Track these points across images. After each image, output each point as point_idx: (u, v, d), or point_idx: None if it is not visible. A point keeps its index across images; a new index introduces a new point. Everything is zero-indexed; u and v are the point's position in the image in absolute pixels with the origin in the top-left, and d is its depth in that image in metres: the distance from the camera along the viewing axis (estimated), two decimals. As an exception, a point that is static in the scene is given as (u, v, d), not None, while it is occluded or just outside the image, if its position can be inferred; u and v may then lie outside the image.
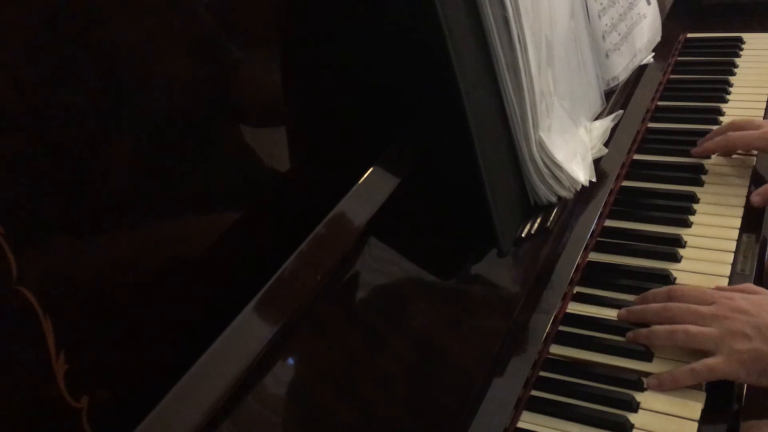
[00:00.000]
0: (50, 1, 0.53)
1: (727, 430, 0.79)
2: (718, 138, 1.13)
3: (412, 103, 0.90)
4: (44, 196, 0.53)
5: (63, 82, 0.54)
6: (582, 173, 0.95)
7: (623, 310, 0.91)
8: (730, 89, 1.36)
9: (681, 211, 1.07)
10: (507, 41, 0.86)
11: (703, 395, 0.81)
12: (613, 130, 1.09)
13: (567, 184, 0.93)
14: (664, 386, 0.82)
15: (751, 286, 0.89)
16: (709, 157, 1.16)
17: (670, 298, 0.89)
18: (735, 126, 1.14)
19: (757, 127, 1.12)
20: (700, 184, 1.12)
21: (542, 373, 0.85)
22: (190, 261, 0.66)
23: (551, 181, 0.92)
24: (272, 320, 0.63)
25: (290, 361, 0.65)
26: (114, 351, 0.58)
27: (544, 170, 0.92)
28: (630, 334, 0.87)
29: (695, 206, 1.08)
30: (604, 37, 1.14)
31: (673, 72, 1.44)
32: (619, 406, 0.80)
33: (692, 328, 0.84)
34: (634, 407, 0.80)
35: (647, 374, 0.83)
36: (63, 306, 0.53)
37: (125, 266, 0.59)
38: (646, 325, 0.88)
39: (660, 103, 1.35)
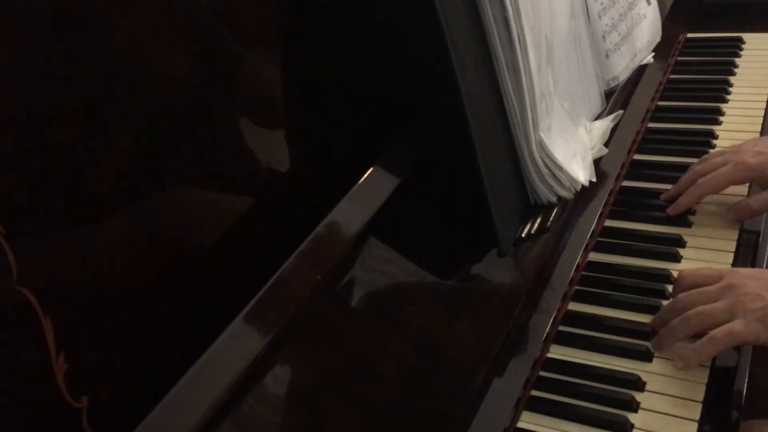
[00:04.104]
0: (51, 1, 0.53)
1: (727, 430, 0.79)
2: (691, 189, 1.05)
3: (412, 103, 0.90)
4: (44, 196, 0.53)
5: (63, 82, 0.54)
6: (582, 173, 0.95)
7: (654, 344, 0.88)
8: (730, 89, 1.35)
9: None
10: (507, 41, 0.86)
11: (702, 394, 0.81)
12: (613, 130, 1.09)
13: (567, 184, 0.93)
14: (690, 363, 0.81)
15: None
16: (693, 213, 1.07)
17: (679, 280, 0.89)
18: (699, 173, 1.06)
19: (721, 163, 1.05)
20: (701, 183, 1.12)
21: (542, 373, 0.85)
22: (189, 261, 0.66)
23: (551, 181, 0.92)
24: (272, 320, 0.63)
25: (290, 361, 0.65)
26: (114, 351, 0.58)
27: (544, 170, 0.92)
28: (652, 343, 0.86)
29: (695, 206, 1.08)
30: (604, 37, 1.14)
31: (673, 72, 1.44)
32: (619, 406, 0.80)
33: (702, 308, 0.83)
34: (634, 407, 0.80)
35: (647, 374, 0.83)
36: (63, 306, 0.53)
37: (125, 266, 0.59)
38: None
39: (660, 103, 1.35)
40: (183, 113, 0.65)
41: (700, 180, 1.05)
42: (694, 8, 1.60)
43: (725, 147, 1.13)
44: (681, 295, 0.87)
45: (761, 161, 1.02)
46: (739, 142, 1.21)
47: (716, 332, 0.80)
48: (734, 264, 0.98)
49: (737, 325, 0.79)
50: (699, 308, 0.83)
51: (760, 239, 1.01)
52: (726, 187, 1.05)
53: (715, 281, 0.85)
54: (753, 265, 0.98)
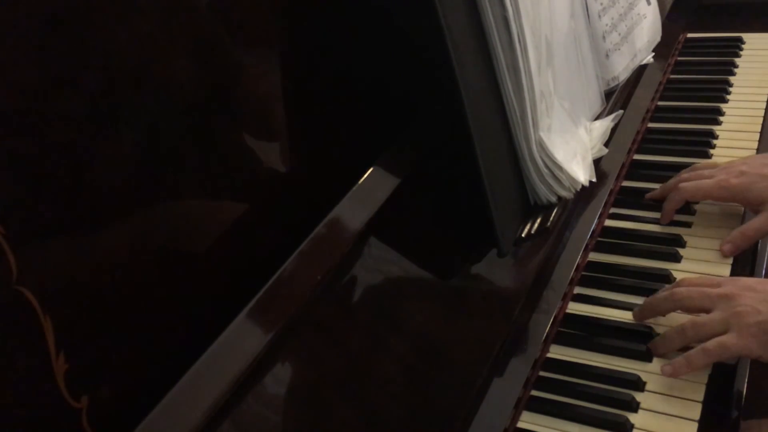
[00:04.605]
0: (51, 2, 0.53)
1: (727, 430, 0.79)
2: (671, 195, 1.06)
3: (412, 103, 0.90)
4: (44, 196, 0.53)
5: (63, 83, 0.54)
6: (582, 173, 0.95)
7: (635, 312, 0.90)
8: (730, 89, 1.36)
9: (681, 211, 1.07)
10: (507, 41, 0.86)
11: (702, 394, 0.81)
12: (613, 130, 1.09)
13: (567, 184, 0.93)
14: (679, 371, 0.81)
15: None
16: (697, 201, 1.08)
17: (679, 284, 0.89)
18: (684, 177, 1.08)
19: (707, 176, 1.06)
20: (700, 184, 1.12)
21: (542, 373, 0.85)
22: (190, 261, 0.66)
23: (551, 181, 0.92)
24: (272, 320, 0.63)
25: (290, 361, 0.65)
26: (114, 351, 0.58)
27: (544, 170, 0.92)
28: (650, 344, 0.86)
29: (695, 206, 1.08)
30: (604, 37, 1.14)
31: (673, 72, 1.44)
32: (619, 406, 0.80)
33: (699, 319, 0.83)
34: (634, 407, 0.80)
35: (647, 374, 0.83)
36: (63, 306, 0.53)
37: (125, 266, 0.59)
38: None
39: (660, 103, 1.35)
40: (184, 115, 0.65)
41: (680, 185, 1.06)
42: (694, 8, 1.60)
43: (722, 162, 1.12)
44: (680, 288, 0.87)
45: (742, 182, 1.01)
46: (739, 142, 1.21)
47: (709, 344, 0.80)
48: (733, 264, 0.98)
49: (730, 339, 0.79)
50: (696, 320, 0.84)
51: (759, 240, 1.01)
52: (703, 199, 1.06)
53: (715, 288, 0.86)
54: (752, 266, 0.98)
